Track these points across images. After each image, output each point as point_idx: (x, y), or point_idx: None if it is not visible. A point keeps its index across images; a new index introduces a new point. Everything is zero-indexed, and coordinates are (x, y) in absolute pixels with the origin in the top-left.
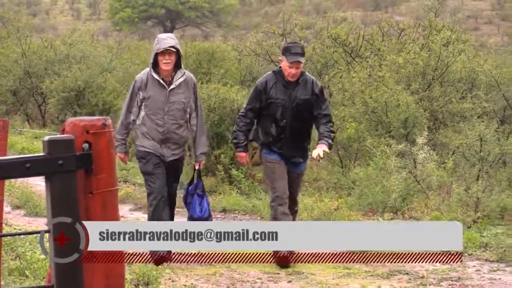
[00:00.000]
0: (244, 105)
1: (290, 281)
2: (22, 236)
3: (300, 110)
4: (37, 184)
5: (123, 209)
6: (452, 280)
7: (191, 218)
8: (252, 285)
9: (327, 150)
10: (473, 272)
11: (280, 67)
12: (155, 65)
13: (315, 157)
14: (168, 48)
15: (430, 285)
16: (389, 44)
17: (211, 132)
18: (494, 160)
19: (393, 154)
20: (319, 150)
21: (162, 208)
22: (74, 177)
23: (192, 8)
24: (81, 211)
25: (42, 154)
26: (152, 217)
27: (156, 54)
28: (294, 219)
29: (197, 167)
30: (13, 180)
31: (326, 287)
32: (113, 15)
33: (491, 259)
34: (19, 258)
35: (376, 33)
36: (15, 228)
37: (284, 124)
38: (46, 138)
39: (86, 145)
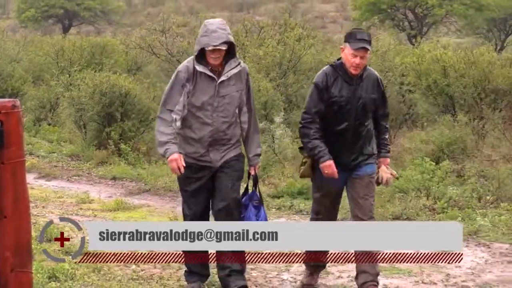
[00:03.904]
0: (305, 110)
1: None
2: None
3: (364, 110)
4: None
5: (29, 178)
6: None
7: None
8: None
9: (395, 173)
10: None
11: (339, 59)
12: (200, 55)
13: (383, 183)
14: (218, 47)
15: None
16: (251, 40)
17: (103, 113)
18: None
19: None
20: (386, 174)
21: None
22: None
23: (86, 9)
24: None
25: None
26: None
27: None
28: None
29: (252, 173)
30: None
31: None
32: (20, 14)
33: (339, 218)
34: None
35: (241, 30)
36: None
37: (344, 127)
38: None
39: None
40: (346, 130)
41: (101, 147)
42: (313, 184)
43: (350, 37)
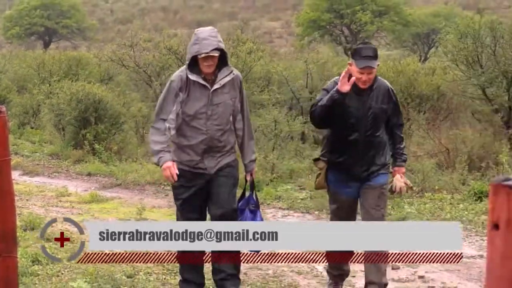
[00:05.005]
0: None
1: None
2: None
3: (375, 121)
4: None
5: (14, 174)
6: None
7: None
8: None
9: (409, 182)
10: (271, 217)
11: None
12: (193, 64)
13: (396, 192)
14: (210, 53)
15: None
16: None
17: (79, 117)
18: (285, 136)
19: None
20: (400, 183)
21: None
22: None
23: (64, 27)
24: None
25: None
26: (181, 268)
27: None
28: (383, 269)
29: (248, 178)
30: None
31: None
32: (6, 32)
33: (283, 207)
34: None
35: None
36: None
37: (356, 138)
38: None
39: None
40: (357, 141)
41: (77, 147)
42: (329, 196)
43: (355, 54)
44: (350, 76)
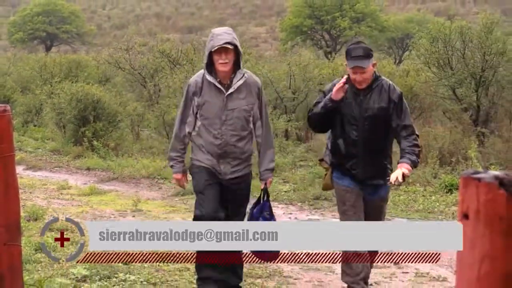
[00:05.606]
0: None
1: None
2: None
3: (373, 121)
4: None
5: (19, 169)
6: None
7: None
8: (107, 219)
9: (407, 172)
10: None
11: None
12: (210, 66)
13: (393, 182)
14: (224, 45)
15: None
16: (199, 56)
17: (78, 116)
18: None
19: None
20: (397, 172)
21: None
22: None
23: (64, 32)
24: None
25: None
26: (198, 266)
27: (211, 53)
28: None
29: (262, 186)
30: None
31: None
32: (10, 36)
33: (270, 200)
34: None
35: (190, 48)
36: None
37: (354, 138)
38: None
39: None
40: (356, 142)
41: (77, 143)
42: (336, 194)
43: (347, 55)
44: (348, 81)
